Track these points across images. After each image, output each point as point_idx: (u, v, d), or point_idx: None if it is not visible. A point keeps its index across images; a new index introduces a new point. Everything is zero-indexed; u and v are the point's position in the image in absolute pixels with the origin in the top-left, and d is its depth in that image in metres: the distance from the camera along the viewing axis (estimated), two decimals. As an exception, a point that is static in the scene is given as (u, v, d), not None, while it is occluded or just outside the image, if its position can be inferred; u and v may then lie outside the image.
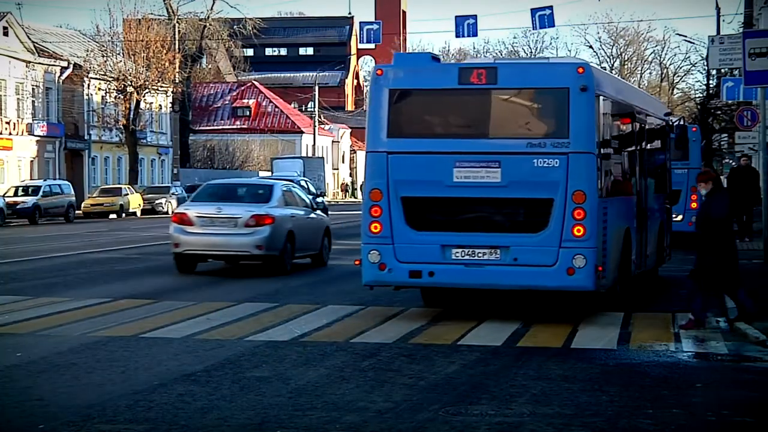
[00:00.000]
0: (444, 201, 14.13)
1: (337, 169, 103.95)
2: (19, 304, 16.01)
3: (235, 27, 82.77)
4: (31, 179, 55.26)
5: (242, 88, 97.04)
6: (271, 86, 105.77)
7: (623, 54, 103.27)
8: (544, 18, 33.89)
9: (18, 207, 47.30)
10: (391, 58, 15.14)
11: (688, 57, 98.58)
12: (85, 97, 64.24)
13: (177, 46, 70.22)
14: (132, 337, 12.90)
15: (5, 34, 57.55)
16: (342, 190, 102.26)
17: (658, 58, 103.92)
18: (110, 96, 64.20)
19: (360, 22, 39.59)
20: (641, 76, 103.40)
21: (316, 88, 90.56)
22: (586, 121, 13.73)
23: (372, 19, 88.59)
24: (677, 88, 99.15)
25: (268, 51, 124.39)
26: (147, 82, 63.57)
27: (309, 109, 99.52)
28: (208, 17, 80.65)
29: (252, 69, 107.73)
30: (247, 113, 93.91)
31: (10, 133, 57.18)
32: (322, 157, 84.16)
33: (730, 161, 55.79)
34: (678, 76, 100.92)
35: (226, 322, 14.11)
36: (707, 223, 13.72)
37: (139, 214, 56.25)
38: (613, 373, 10.83)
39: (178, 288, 18.69)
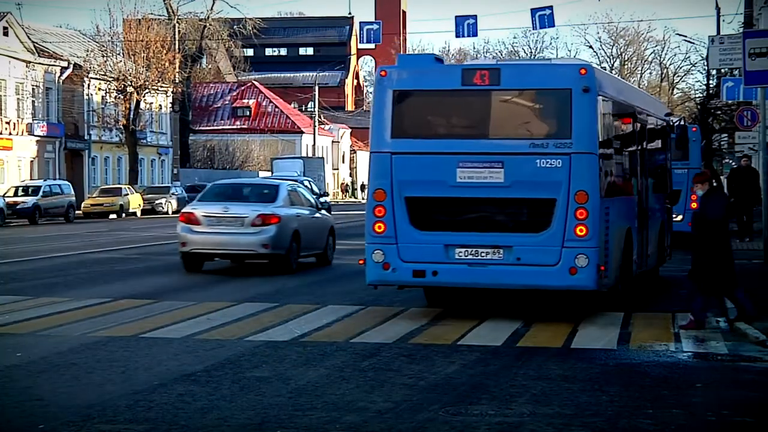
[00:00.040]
0: (447, 201, 14.23)
1: (337, 169, 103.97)
2: (19, 304, 16.01)
3: (235, 27, 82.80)
4: (31, 179, 55.25)
5: (242, 88, 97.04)
6: (271, 86, 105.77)
7: (623, 54, 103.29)
8: (544, 18, 33.90)
9: (18, 207, 47.29)
10: (391, 58, 15.28)
11: (688, 57, 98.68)
12: (85, 97, 64.24)
13: (177, 46, 70.23)
14: (132, 337, 12.90)
15: (5, 34, 57.55)
16: (342, 190, 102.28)
17: (658, 58, 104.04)
18: (110, 96, 64.20)
19: (360, 22, 39.61)
20: (641, 76, 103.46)
21: (316, 88, 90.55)
22: (588, 122, 13.84)
23: (372, 19, 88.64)
24: (677, 88, 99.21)
25: (268, 51, 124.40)
26: (147, 82, 63.57)
27: (309, 109, 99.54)
28: (208, 17, 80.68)
29: (252, 69, 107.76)
30: (247, 113, 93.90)
31: (10, 133, 57.18)
32: (322, 157, 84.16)
33: (730, 161, 55.78)
34: (678, 76, 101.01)
35: (226, 322, 14.11)
36: (703, 223, 13.75)
37: (139, 214, 56.25)
38: (613, 373, 10.84)
39: (178, 288, 18.69)
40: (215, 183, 24.28)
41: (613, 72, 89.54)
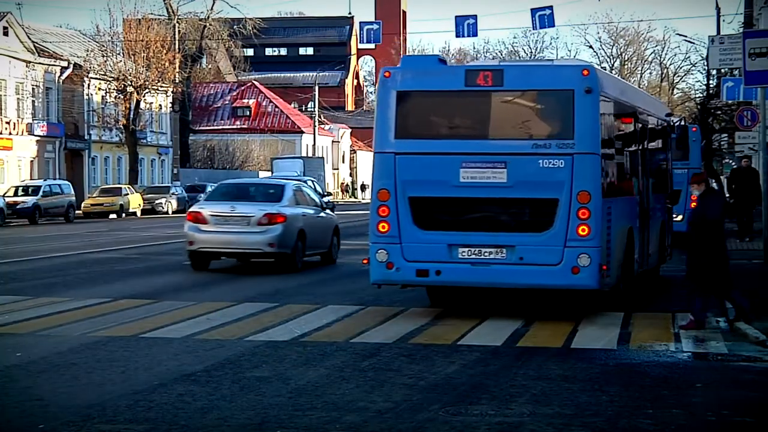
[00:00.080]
0: (451, 201, 14.33)
1: (337, 169, 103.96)
2: (19, 304, 16.01)
3: (235, 27, 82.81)
4: (31, 179, 55.25)
5: (242, 88, 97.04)
6: (271, 86, 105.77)
7: (623, 54, 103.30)
8: (544, 18, 33.92)
9: (18, 207, 47.29)
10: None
11: (688, 57, 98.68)
12: (85, 97, 64.24)
13: (177, 46, 70.24)
14: (132, 337, 12.89)
15: (5, 34, 57.56)
16: (342, 191, 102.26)
17: (658, 58, 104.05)
18: (110, 96, 64.21)
19: (360, 22, 39.63)
20: (641, 76, 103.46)
21: (316, 88, 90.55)
22: (590, 123, 13.94)
23: (372, 19, 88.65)
24: (677, 88, 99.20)
25: (268, 51, 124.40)
26: (147, 82, 63.58)
27: (309, 109, 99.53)
28: (208, 17, 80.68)
29: (252, 69, 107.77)
30: (247, 113, 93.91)
31: (10, 133, 57.18)
32: (322, 157, 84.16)
33: (730, 161, 55.77)
34: (678, 76, 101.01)
35: (226, 322, 14.11)
36: (700, 224, 13.77)
37: (139, 214, 56.25)
38: (613, 373, 10.84)
39: (177, 288, 18.69)
40: (222, 183, 24.61)
41: (613, 72, 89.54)
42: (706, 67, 59.81)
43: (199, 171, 78.02)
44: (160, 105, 71.53)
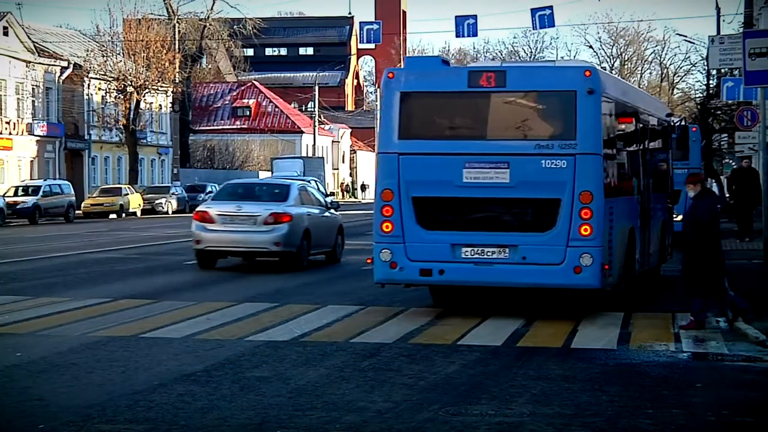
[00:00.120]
0: (454, 201, 14.43)
1: (337, 169, 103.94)
2: (19, 304, 16.01)
3: (235, 27, 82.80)
4: (31, 179, 55.24)
5: (242, 88, 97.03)
6: (271, 86, 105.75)
7: (623, 54, 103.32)
8: (544, 18, 33.92)
9: (18, 207, 47.28)
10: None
11: (688, 57, 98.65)
12: (85, 97, 64.23)
13: (177, 46, 70.23)
14: (132, 337, 12.89)
15: (5, 34, 57.55)
16: (342, 191, 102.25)
17: (658, 58, 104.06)
18: (110, 96, 64.20)
19: (360, 22, 39.64)
20: (641, 76, 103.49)
21: (316, 88, 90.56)
22: (592, 123, 14.03)
23: (372, 19, 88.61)
24: (677, 88, 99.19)
25: (268, 51, 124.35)
26: (147, 82, 63.58)
27: (309, 109, 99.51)
28: (208, 17, 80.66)
29: (252, 69, 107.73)
30: (247, 113, 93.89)
31: (10, 133, 57.18)
32: (322, 157, 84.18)
33: (730, 161, 55.76)
34: (678, 76, 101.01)
35: (226, 322, 14.11)
36: (695, 225, 13.77)
37: (139, 214, 56.25)
38: (613, 373, 10.84)
39: (177, 288, 18.69)
40: (228, 183, 24.92)
41: (613, 72, 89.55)
42: (706, 67, 59.81)
43: (199, 171, 78.02)
44: (160, 105, 71.52)
